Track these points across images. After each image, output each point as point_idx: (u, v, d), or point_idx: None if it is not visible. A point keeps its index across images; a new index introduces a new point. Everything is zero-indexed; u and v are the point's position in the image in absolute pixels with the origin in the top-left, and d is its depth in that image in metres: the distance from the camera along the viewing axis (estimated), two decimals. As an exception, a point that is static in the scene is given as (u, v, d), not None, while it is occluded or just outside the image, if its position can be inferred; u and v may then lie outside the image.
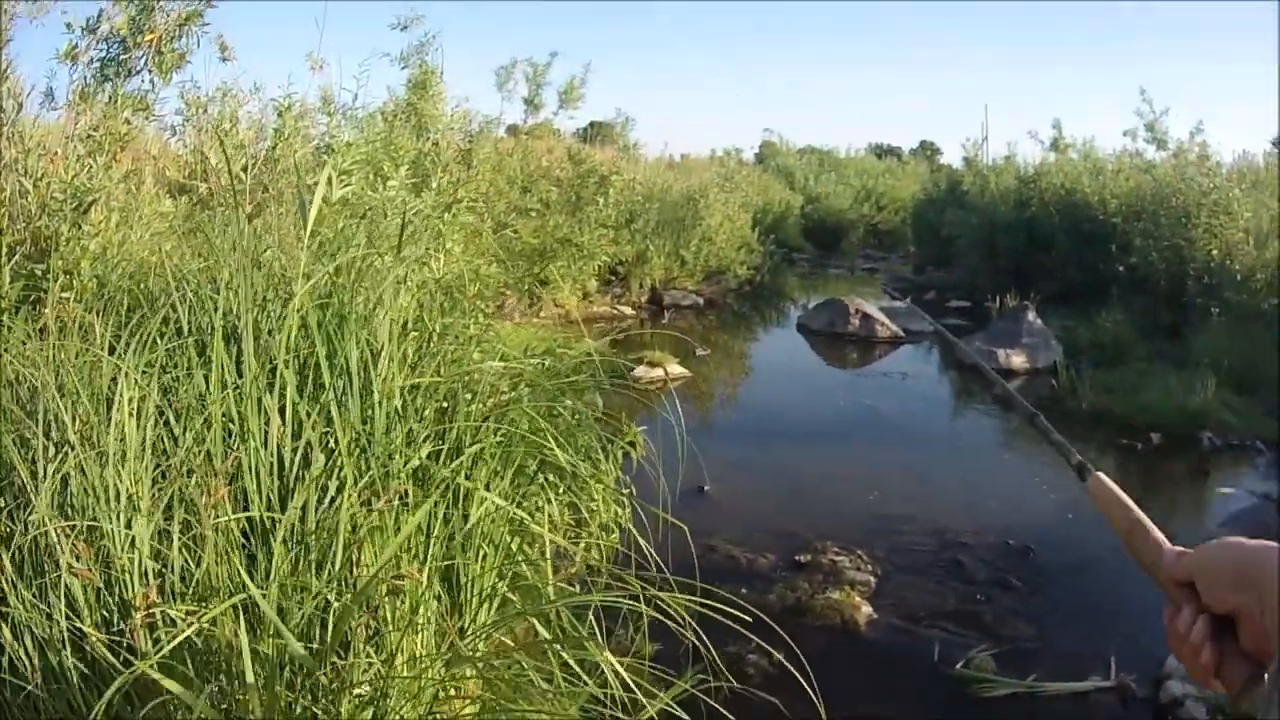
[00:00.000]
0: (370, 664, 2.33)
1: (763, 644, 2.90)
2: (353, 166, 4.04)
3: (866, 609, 4.80)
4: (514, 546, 3.25)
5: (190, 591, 2.33)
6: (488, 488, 3.15)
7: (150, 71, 4.51)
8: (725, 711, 2.54)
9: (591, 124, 19.56)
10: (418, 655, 2.47)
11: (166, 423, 2.63)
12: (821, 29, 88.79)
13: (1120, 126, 16.00)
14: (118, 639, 2.24)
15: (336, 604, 2.23)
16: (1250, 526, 5.74)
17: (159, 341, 2.78)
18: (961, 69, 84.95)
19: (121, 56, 4.46)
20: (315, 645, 2.23)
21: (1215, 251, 12.07)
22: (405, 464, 2.86)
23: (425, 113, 10.01)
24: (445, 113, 10.38)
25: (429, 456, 3.03)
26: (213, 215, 4.25)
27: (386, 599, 2.44)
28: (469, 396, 3.44)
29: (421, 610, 2.60)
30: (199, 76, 6.00)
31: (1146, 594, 4.37)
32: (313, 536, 2.39)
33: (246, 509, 2.45)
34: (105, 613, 2.31)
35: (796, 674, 2.73)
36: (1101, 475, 1.34)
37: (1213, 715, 3.93)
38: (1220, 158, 14.42)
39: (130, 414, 2.46)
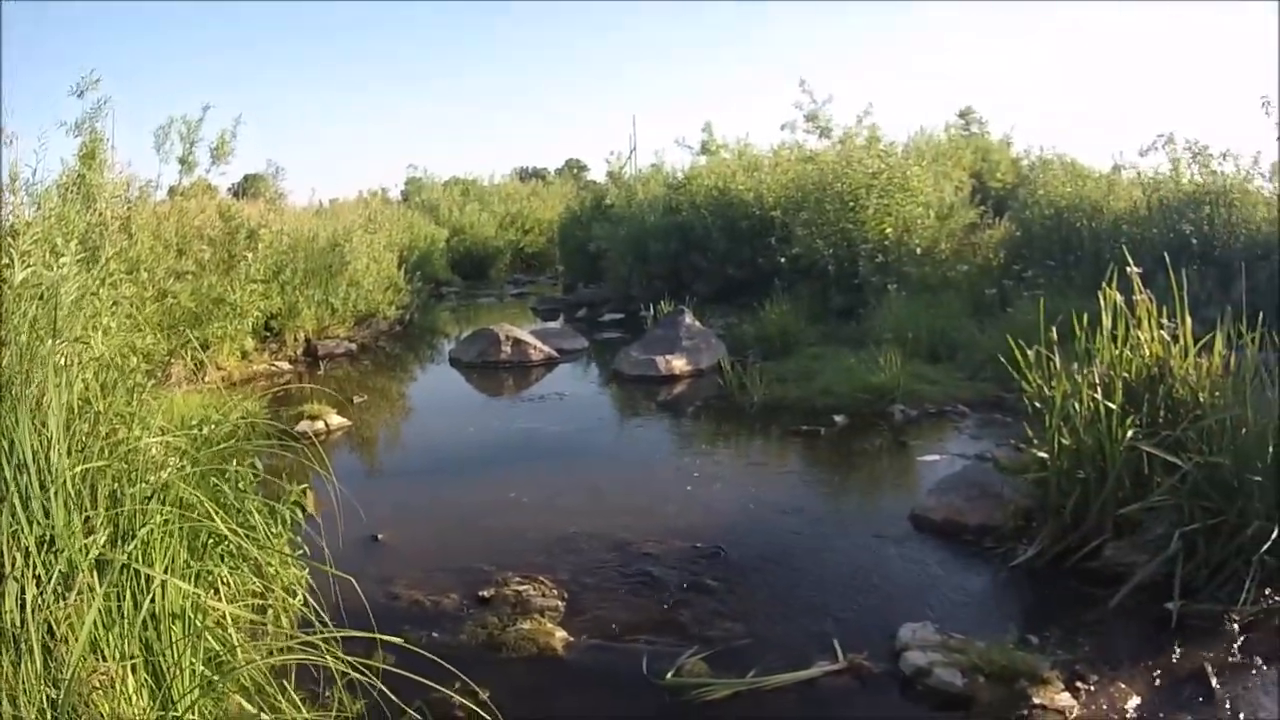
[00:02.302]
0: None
1: (467, 683, 3.03)
2: (32, 246, 3.89)
3: (561, 634, 4.70)
4: (200, 622, 3.23)
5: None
6: (168, 568, 3.14)
7: None
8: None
9: (245, 177, 19.02)
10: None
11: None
12: (454, 59, 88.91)
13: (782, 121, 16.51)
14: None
15: (59, 702, 2.22)
16: (965, 487, 6.07)
17: None
18: (607, 83, 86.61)
19: None
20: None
21: (889, 230, 12.73)
22: (87, 555, 2.81)
23: (93, 182, 9.58)
24: (111, 180, 9.99)
25: (107, 542, 2.99)
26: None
27: (98, 693, 2.43)
28: (134, 477, 3.39)
29: (133, 699, 2.59)
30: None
31: (853, 572, 4.67)
32: (23, 639, 2.35)
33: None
34: None
35: (502, 710, 2.87)
36: None
37: (969, 679, 3.97)
38: (895, 138, 15.09)
39: None
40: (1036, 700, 3.86)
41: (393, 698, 2.88)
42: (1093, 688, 4.00)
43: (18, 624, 2.38)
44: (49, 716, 2.22)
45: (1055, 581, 5.13)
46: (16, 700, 2.22)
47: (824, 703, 4.05)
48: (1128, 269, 5.41)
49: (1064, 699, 3.89)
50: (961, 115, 20.38)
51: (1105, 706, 3.88)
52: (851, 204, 13.21)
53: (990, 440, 7.75)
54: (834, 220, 13.27)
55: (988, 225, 13.82)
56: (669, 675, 4.25)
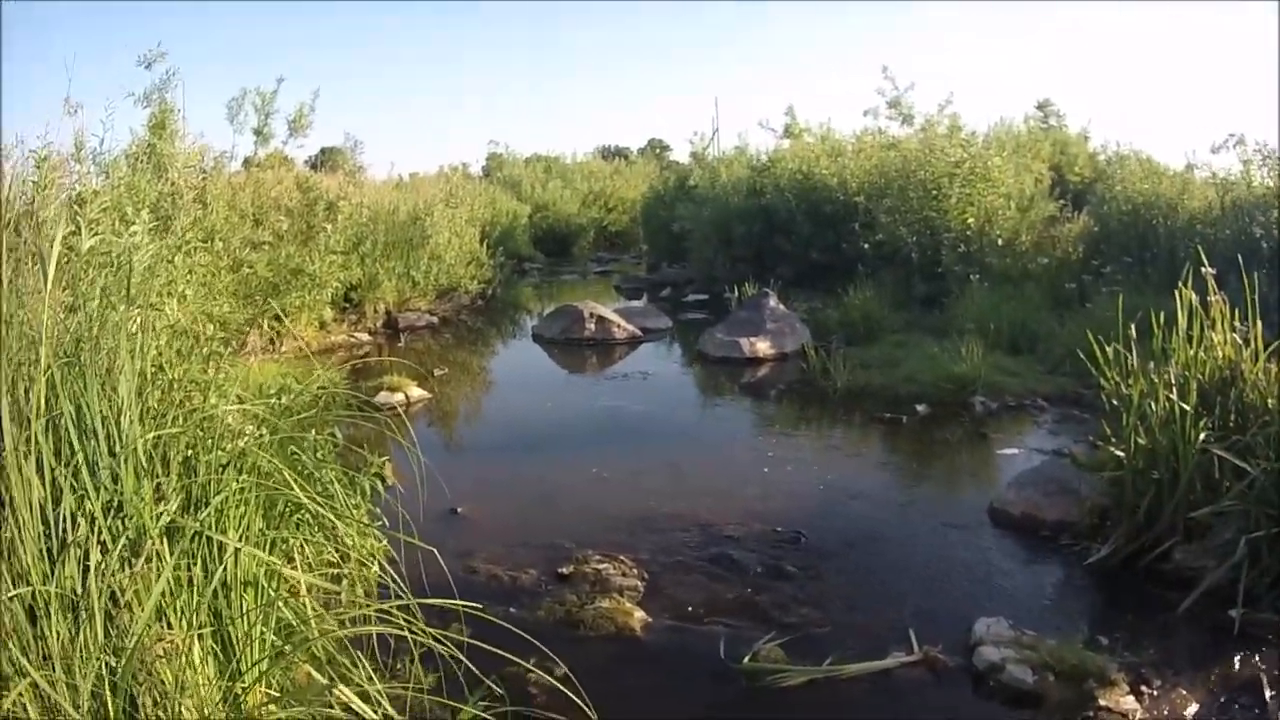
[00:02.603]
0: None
1: (543, 658, 2.96)
2: (100, 214, 3.87)
3: (639, 614, 4.69)
4: (273, 591, 3.19)
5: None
6: (243, 535, 3.10)
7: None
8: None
9: (322, 150, 19.22)
10: (202, 715, 2.41)
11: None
12: (534, 36, 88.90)
13: (863, 107, 16.45)
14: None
15: (119, 669, 2.17)
16: (1044, 483, 5.99)
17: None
18: (691, 65, 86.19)
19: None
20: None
21: (972, 220, 12.57)
22: (157, 521, 2.77)
23: (164, 152, 9.66)
24: (183, 150, 10.06)
25: (178, 510, 2.95)
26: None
27: (161, 661, 2.38)
28: (209, 444, 3.36)
29: (199, 668, 2.54)
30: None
31: (930, 563, 4.61)
32: (85, 606, 2.31)
33: (28, 582, 2.35)
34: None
35: (577, 689, 2.80)
36: None
37: (1039, 676, 3.94)
38: (974, 127, 14.87)
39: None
40: (1102, 702, 3.80)
41: (472, 667, 2.82)
42: (1155, 692, 3.91)
43: (80, 591, 2.35)
44: (107, 684, 2.17)
45: (1127, 582, 5.02)
46: (72, 668, 2.17)
47: (898, 694, 4.03)
48: (1203, 270, 5.29)
49: (1128, 702, 3.81)
50: (1040, 107, 19.97)
51: (1166, 712, 3.80)
52: (934, 192, 13.00)
53: (1068, 436, 7.59)
54: (917, 208, 13.08)
55: (1067, 219, 13.56)
56: (745, 659, 4.21)
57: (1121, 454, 5.29)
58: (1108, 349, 5.48)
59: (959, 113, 14.89)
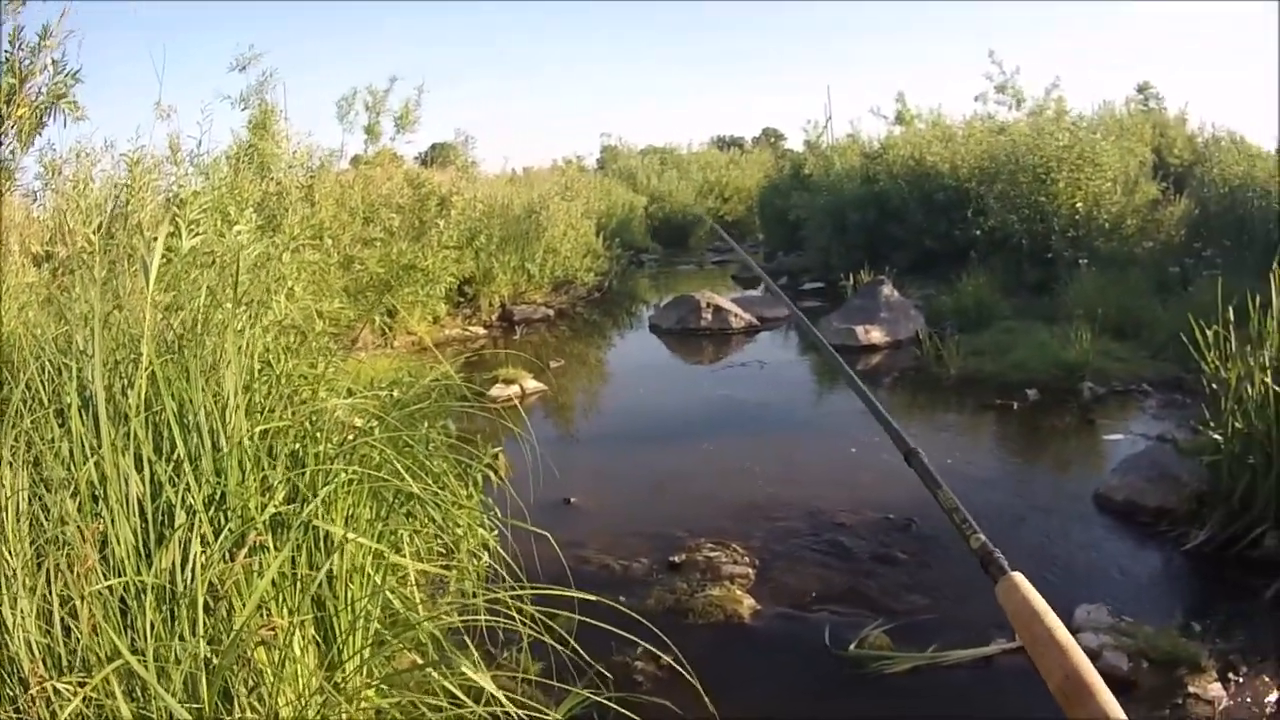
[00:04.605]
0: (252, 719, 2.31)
1: (649, 649, 2.95)
2: (200, 215, 3.97)
3: (749, 601, 4.73)
4: (380, 580, 3.23)
5: (77, 662, 2.29)
6: (350, 526, 3.14)
7: (12, 140, 4.39)
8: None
9: (433, 146, 19.46)
10: (297, 701, 2.45)
11: (40, 496, 2.58)
12: (653, 28, 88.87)
13: (971, 94, 16.49)
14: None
15: (214, 661, 2.21)
16: (1146, 469, 5.92)
17: (23, 414, 2.72)
18: (804, 53, 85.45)
19: (-5, 130, 4.33)
20: (198, 706, 2.21)
21: (1080, 204, 12.49)
22: (262, 513, 2.82)
23: (267, 152, 9.86)
24: (287, 151, 10.24)
25: (285, 501, 3.00)
26: (70, 281, 4.15)
27: (261, 649, 2.43)
28: (319, 436, 3.41)
29: (298, 656, 2.59)
30: (54, 138, 5.79)
31: (1037, 549, 4.58)
32: (183, 596, 2.37)
33: (121, 574, 2.41)
34: (10, 690, 2.27)
35: (687, 675, 2.81)
36: (1019, 578, 1.08)
37: (1134, 663, 3.94)
38: (1080, 111, 14.93)
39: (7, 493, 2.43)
40: (1191, 689, 3.80)
41: (581, 652, 2.83)
42: (1241, 680, 3.88)
43: (174, 583, 2.40)
44: (203, 673, 2.21)
45: (1220, 568, 4.97)
46: (165, 656, 2.22)
47: (998, 679, 4.05)
48: None
49: (1215, 689, 3.80)
50: (1140, 90, 19.52)
51: (1249, 700, 3.77)
52: (1043, 177, 12.96)
53: (1171, 420, 7.52)
54: (1027, 194, 13.04)
55: (1169, 202, 13.27)
56: (851, 647, 4.26)
57: (1219, 438, 5.23)
58: (1208, 333, 5.43)
59: (1065, 96, 15.01)
